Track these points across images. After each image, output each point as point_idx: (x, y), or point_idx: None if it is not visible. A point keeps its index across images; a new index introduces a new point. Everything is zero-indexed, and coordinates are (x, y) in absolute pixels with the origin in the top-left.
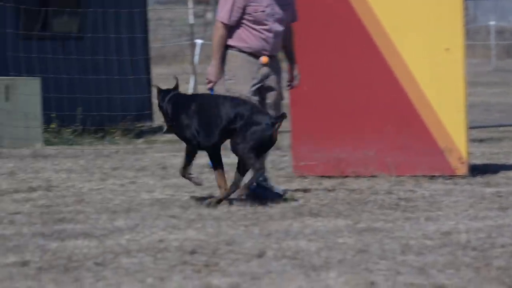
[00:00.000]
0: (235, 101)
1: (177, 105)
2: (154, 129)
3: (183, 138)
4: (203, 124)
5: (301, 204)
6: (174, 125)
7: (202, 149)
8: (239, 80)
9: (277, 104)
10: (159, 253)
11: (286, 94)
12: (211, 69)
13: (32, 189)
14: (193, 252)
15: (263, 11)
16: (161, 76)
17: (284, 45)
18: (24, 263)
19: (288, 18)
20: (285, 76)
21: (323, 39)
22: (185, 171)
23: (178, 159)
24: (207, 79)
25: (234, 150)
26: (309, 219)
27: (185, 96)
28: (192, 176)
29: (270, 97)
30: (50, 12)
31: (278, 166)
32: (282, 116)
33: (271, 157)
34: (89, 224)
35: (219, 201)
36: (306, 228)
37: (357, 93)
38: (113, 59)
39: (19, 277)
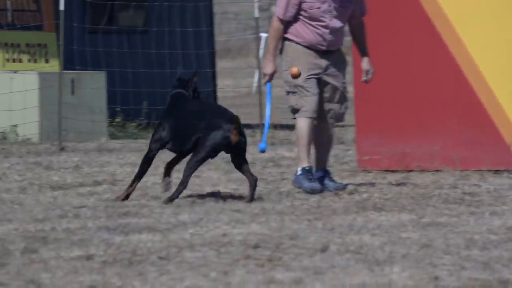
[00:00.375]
0: (206, 108)
1: (169, 104)
2: None
3: (152, 137)
4: (176, 128)
5: (365, 198)
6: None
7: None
8: None
9: (340, 98)
10: (222, 247)
11: (350, 88)
12: (266, 63)
13: (97, 183)
14: (256, 247)
15: (319, 8)
16: (226, 70)
17: (355, 39)
18: (89, 257)
19: (350, 13)
20: (350, 70)
21: (387, 32)
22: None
23: None
24: (263, 73)
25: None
26: (373, 213)
27: (181, 97)
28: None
29: (328, 91)
30: (116, 6)
31: (342, 160)
32: (236, 121)
33: (335, 151)
34: (153, 218)
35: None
36: (370, 223)
37: (421, 87)
38: (178, 53)
39: (83, 271)
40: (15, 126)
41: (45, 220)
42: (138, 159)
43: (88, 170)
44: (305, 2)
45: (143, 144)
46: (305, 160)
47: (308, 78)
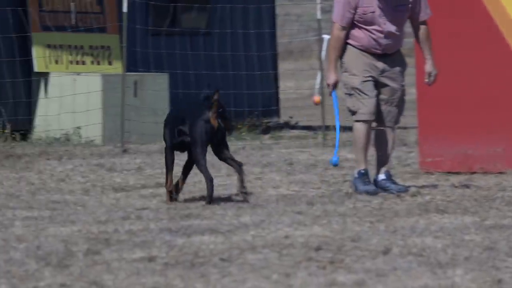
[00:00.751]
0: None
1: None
2: (280, 125)
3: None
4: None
5: (428, 200)
6: None
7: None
8: (353, 72)
9: (398, 100)
10: (284, 249)
11: (413, 90)
12: (328, 73)
13: (159, 185)
14: (318, 249)
15: (373, 12)
16: (288, 71)
17: (418, 41)
18: (151, 259)
19: (410, 15)
20: (413, 71)
21: (449, 33)
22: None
23: (305, 155)
24: (326, 84)
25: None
26: (435, 215)
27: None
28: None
29: (386, 93)
30: (179, 8)
31: (404, 162)
32: (214, 102)
33: (397, 153)
34: (215, 220)
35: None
36: (432, 225)
37: (484, 88)
38: (240, 54)
39: (146, 273)
40: (78, 128)
41: (108, 222)
42: None
43: (151, 172)
44: (359, 7)
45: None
46: (361, 163)
47: (364, 81)
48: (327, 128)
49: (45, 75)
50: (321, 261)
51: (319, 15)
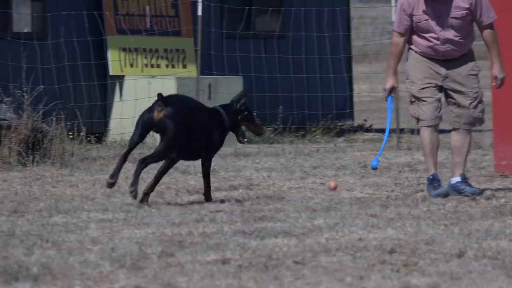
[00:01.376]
0: None
1: None
2: (355, 128)
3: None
4: None
5: (503, 203)
6: None
7: None
8: (411, 79)
9: (470, 103)
10: (358, 252)
11: (488, 93)
12: (386, 78)
13: (233, 188)
14: (392, 251)
15: (427, 20)
16: (363, 74)
17: (486, 45)
18: (225, 261)
19: (473, 19)
20: (486, 73)
21: None
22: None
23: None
24: (383, 88)
25: None
26: (511, 218)
27: None
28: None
29: (454, 97)
30: (254, 11)
31: (479, 165)
32: (160, 98)
33: (472, 156)
34: (289, 222)
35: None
36: (507, 228)
37: None
38: (314, 57)
39: (219, 275)
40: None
41: (182, 224)
42: (274, 163)
43: (225, 174)
44: (414, 15)
45: (279, 149)
46: (430, 168)
47: (422, 88)
48: (401, 131)
49: (120, 78)
50: (395, 264)
51: (393, 17)
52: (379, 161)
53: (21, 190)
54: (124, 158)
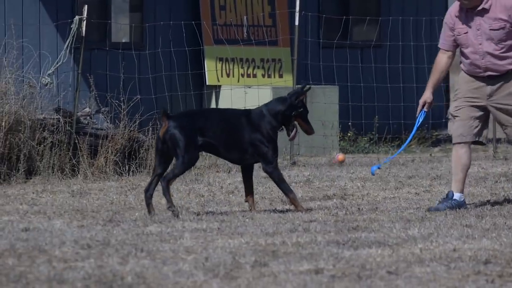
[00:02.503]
0: None
1: None
2: (450, 138)
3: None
4: None
5: None
6: None
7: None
8: (454, 98)
9: None
10: (452, 263)
11: None
12: (424, 92)
13: (327, 197)
14: (487, 262)
15: (466, 33)
16: None
17: None
18: (318, 271)
19: (508, 34)
20: None
21: None
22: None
23: (475, 168)
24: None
25: None
26: None
27: None
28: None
29: (501, 117)
30: (351, 20)
31: None
32: (164, 114)
33: None
34: (383, 232)
35: None
36: None
37: None
38: (411, 67)
39: (312, 285)
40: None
41: (276, 234)
42: (368, 173)
43: (319, 184)
44: (454, 29)
45: (374, 159)
46: (452, 184)
47: (459, 108)
48: (498, 141)
49: (216, 88)
50: (490, 274)
51: None
52: (379, 166)
53: (116, 199)
54: (148, 196)
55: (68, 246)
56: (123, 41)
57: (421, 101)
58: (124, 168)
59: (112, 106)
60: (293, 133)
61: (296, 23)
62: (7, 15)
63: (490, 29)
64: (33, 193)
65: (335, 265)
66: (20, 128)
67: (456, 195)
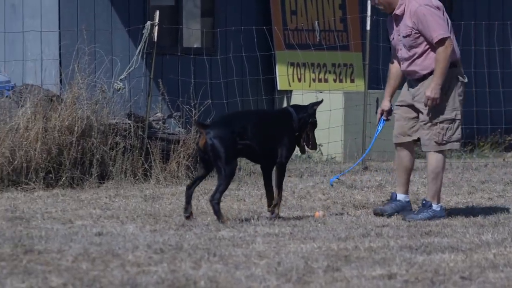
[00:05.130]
0: None
1: None
2: None
3: None
4: None
5: None
6: None
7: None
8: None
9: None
10: None
11: None
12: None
13: None
14: None
15: (393, 39)
16: None
17: None
18: (391, 276)
19: (417, 42)
20: None
21: None
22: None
23: None
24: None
25: None
26: None
27: None
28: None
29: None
30: None
31: None
32: (199, 125)
33: None
34: (456, 237)
35: None
36: None
37: None
38: (483, 71)
39: None
40: (320, 145)
41: (348, 239)
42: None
43: (391, 189)
44: (389, 34)
45: (447, 164)
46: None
47: (397, 105)
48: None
49: (287, 93)
50: None
51: None
52: (338, 177)
53: None
54: (189, 193)
55: (141, 251)
56: (195, 46)
57: (379, 110)
58: (196, 172)
59: (183, 111)
60: (311, 142)
61: (368, 28)
62: (80, 21)
63: (403, 36)
64: (106, 197)
65: (408, 270)
66: (93, 133)
67: (401, 196)
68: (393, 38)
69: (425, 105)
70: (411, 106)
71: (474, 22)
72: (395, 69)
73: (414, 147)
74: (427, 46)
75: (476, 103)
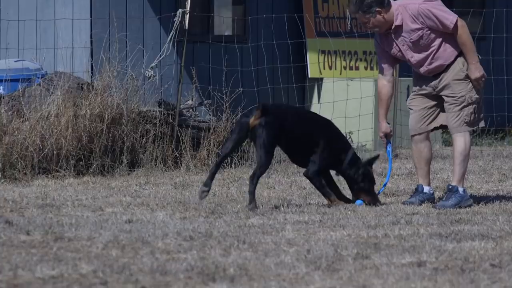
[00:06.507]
0: None
1: None
2: None
3: None
4: None
5: None
6: None
7: None
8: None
9: None
10: None
11: None
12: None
13: None
14: None
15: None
16: None
17: None
18: (420, 264)
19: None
20: None
21: None
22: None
23: None
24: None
25: None
26: None
27: None
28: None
29: None
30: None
31: None
32: (261, 107)
33: None
34: (486, 225)
35: None
36: None
37: None
38: None
39: (414, 278)
40: (350, 132)
41: (378, 227)
42: (472, 166)
43: None
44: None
45: (477, 151)
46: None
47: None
48: None
49: (318, 80)
50: None
51: None
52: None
53: (219, 191)
54: (217, 167)
55: (170, 238)
56: (226, 34)
57: (381, 135)
58: (226, 160)
59: (214, 99)
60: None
61: None
62: (111, 8)
63: (411, 42)
64: (136, 185)
65: (438, 258)
66: (123, 121)
67: (426, 188)
68: (398, 51)
69: (476, 88)
70: (428, 95)
71: (506, 10)
72: (386, 89)
73: (429, 137)
74: (441, 38)
75: (507, 91)
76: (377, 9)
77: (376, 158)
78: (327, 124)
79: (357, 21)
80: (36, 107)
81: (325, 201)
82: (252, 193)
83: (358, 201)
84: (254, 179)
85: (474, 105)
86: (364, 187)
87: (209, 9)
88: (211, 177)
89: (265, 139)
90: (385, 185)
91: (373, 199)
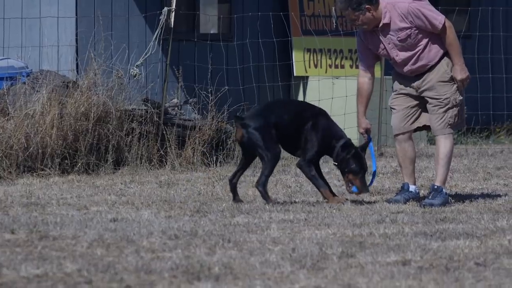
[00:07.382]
0: None
1: None
2: None
3: None
4: None
5: None
6: None
7: None
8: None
9: None
10: None
11: None
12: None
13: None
14: None
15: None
16: None
17: None
18: (405, 262)
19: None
20: None
21: None
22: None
23: None
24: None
25: None
26: None
27: None
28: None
29: None
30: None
31: None
32: (238, 118)
33: None
34: (471, 224)
35: None
36: None
37: None
38: (500, 57)
39: (399, 276)
40: None
41: (363, 225)
42: (456, 164)
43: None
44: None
45: (462, 150)
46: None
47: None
48: None
49: (304, 79)
50: None
51: None
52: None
53: (204, 190)
54: (232, 185)
55: (155, 237)
56: (211, 32)
57: (362, 131)
58: (211, 159)
59: (200, 97)
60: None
61: None
62: (96, 6)
63: (398, 41)
64: (121, 183)
65: (423, 257)
66: (109, 119)
67: (411, 187)
68: (382, 50)
69: (460, 89)
70: (411, 95)
71: (491, 8)
72: (366, 86)
73: (412, 136)
74: (428, 38)
75: (492, 89)
76: (367, 6)
77: (367, 144)
78: (316, 114)
79: (343, 19)
80: (21, 105)
81: (310, 200)
82: (263, 195)
83: (354, 188)
84: (261, 187)
85: (458, 107)
86: (355, 169)
87: (195, 7)
88: (233, 191)
89: (257, 143)
90: (371, 183)
91: (362, 185)
